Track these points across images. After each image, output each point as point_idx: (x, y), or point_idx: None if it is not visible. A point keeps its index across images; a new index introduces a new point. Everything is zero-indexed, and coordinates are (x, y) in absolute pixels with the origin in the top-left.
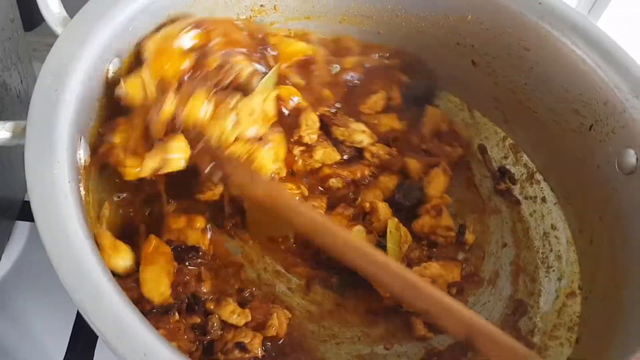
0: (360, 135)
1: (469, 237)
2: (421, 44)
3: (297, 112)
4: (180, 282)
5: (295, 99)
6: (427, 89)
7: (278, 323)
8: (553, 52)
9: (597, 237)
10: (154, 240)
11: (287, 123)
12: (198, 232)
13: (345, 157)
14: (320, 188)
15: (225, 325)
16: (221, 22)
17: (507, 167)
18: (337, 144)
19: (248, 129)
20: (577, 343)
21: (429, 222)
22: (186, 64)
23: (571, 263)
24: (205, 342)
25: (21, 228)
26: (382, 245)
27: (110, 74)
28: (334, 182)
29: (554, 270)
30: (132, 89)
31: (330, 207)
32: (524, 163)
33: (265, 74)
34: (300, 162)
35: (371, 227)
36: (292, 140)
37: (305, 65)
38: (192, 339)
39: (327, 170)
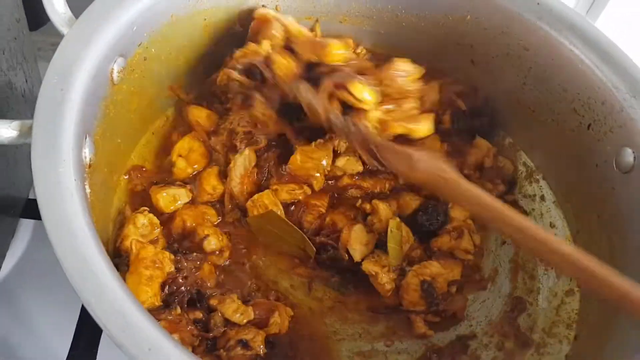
0: None
1: (476, 237)
2: (421, 43)
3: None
4: (180, 276)
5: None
6: (483, 123)
7: (280, 320)
8: (551, 52)
9: (596, 236)
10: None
11: None
12: (210, 226)
13: (368, 167)
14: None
15: (228, 322)
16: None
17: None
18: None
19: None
20: (576, 340)
21: (448, 243)
22: None
23: None
24: (208, 339)
25: (25, 225)
26: (383, 245)
27: (115, 74)
28: (353, 192)
29: (552, 268)
30: None
31: (332, 207)
32: (522, 162)
33: None
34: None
35: (372, 227)
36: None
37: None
38: (194, 333)
39: (347, 180)
